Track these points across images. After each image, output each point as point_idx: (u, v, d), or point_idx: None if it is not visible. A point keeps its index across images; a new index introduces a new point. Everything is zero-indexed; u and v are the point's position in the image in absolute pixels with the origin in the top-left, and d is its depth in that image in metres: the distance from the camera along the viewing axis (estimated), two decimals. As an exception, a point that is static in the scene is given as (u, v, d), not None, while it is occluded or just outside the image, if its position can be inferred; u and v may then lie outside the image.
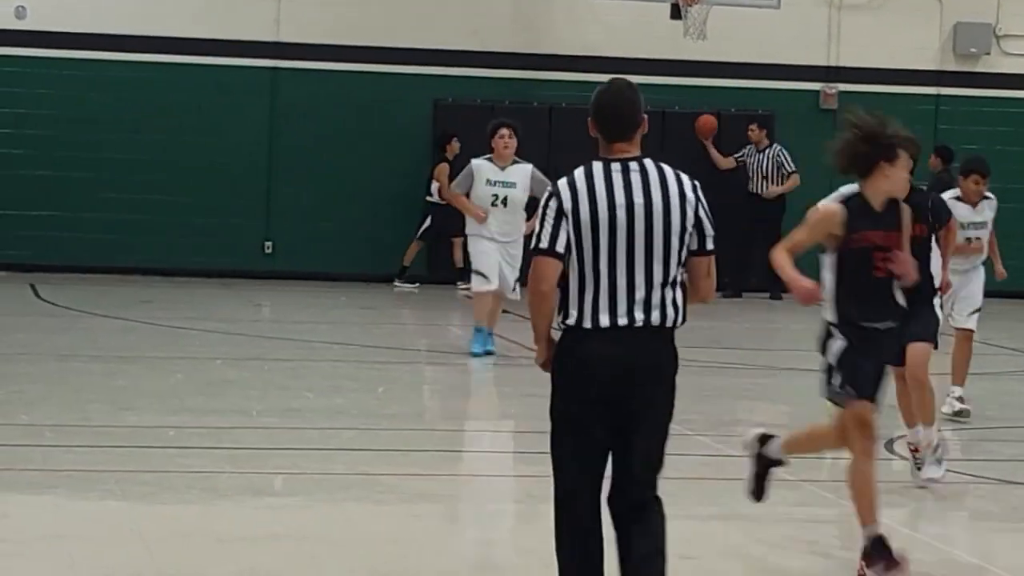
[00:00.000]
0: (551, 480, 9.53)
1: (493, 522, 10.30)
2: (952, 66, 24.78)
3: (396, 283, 23.73)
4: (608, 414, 6.18)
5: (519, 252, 14.94)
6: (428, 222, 23.67)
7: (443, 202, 21.58)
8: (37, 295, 21.19)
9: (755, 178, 24.36)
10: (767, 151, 23.91)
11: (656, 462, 6.24)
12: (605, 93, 6.39)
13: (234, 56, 23.79)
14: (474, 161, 15.05)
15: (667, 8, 22.27)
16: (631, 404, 6.19)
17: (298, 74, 23.94)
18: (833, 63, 24.63)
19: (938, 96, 24.80)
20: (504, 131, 14.96)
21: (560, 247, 6.21)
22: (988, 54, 24.62)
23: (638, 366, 6.16)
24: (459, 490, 11.28)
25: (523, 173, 14.77)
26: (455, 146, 23.15)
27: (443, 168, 23.16)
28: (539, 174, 14.94)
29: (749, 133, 23.67)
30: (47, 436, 12.29)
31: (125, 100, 23.73)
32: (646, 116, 6.38)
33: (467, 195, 15.36)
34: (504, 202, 14.56)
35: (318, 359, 17.09)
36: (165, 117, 23.70)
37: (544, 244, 6.16)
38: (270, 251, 23.98)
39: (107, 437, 12.31)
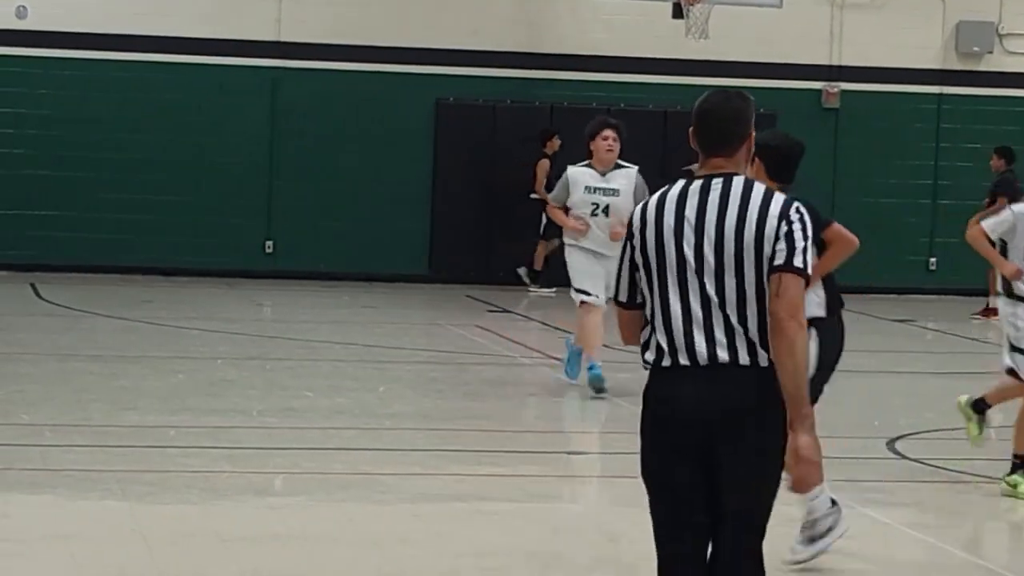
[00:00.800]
0: (551, 479, 10.23)
1: (494, 522, 10.12)
2: (955, 65, 24.61)
3: (531, 289, 23.25)
4: (694, 466, 5.46)
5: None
6: (545, 218, 22.53)
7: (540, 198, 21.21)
8: (38, 295, 21.08)
9: None
10: None
11: (750, 525, 5.34)
12: (708, 100, 5.63)
13: (235, 56, 23.57)
14: (570, 169, 13.30)
15: (669, 7, 22.10)
16: (714, 455, 5.44)
17: (299, 74, 23.70)
18: (835, 62, 24.48)
19: (940, 95, 24.64)
20: (608, 132, 13.14)
21: (633, 296, 5.56)
22: (991, 53, 24.42)
23: (720, 409, 5.37)
24: (460, 490, 11.00)
25: (627, 178, 13.02)
26: (555, 143, 22.75)
27: (543, 164, 23.02)
28: (643, 181, 13.13)
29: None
30: (48, 436, 12.15)
31: (126, 100, 23.51)
32: (753, 132, 5.62)
33: (566, 207, 13.45)
34: (606, 211, 12.80)
35: (319, 359, 16.98)
36: (166, 117, 23.45)
37: (621, 297, 5.53)
38: (271, 251, 23.75)
39: (108, 437, 12.19)
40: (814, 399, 6.27)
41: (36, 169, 23.27)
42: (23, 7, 23.29)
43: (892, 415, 14.29)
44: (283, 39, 23.49)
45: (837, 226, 7.95)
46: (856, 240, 7.79)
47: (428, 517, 9.94)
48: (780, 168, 7.82)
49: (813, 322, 7.76)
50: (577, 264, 12.92)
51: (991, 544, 10.56)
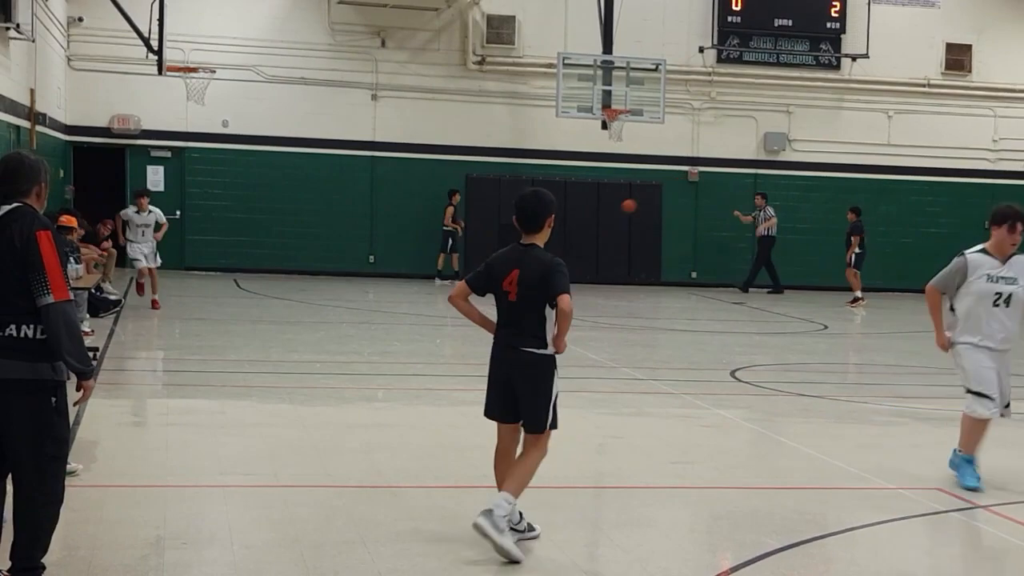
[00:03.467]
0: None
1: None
2: (764, 157, 28.48)
3: (438, 281, 24.98)
4: None
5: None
6: (445, 238, 25.15)
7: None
8: (238, 286, 23.74)
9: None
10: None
11: None
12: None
13: (350, 149, 27.19)
14: (968, 255, 9.00)
15: (599, 123, 25.44)
16: None
17: (386, 159, 27.23)
18: (695, 155, 28.32)
19: (756, 175, 28.42)
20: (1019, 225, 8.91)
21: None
22: (784, 150, 28.53)
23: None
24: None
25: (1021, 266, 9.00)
26: (456, 198, 24.86)
27: (449, 210, 25.34)
28: None
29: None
30: (246, 366, 13.69)
31: (286, 175, 26.94)
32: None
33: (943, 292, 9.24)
34: (1007, 301, 8.91)
35: (401, 323, 18.92)
36: (312, 184, 27.01)
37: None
38: (373, 261, 27.14)
39: (281, 367, 13.64)
40: None
41: (236, 214, 26.83)
42: (226, 120, 26.88)
43: (734, 356, 15.87)
44: (377, 139, 27.31)
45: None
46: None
47: (467, 414, 10.67)
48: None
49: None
50: (978, 361, 9.15)
51: (794, 431, 11.28)
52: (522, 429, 7.04)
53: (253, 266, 26.38)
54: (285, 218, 26.76)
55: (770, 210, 26.41)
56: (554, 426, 7.00)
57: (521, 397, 6.92)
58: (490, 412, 7.10)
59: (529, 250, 6.87)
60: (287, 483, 8.45)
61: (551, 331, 6.83)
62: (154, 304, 19.05)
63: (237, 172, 26.70)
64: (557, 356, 6.93)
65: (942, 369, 15.64)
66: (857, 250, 23.41)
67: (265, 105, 26.72)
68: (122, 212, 19.99)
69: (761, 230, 26.39)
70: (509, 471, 6.93)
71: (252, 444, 9.67)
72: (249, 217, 26.77)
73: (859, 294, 23.46)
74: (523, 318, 6.80)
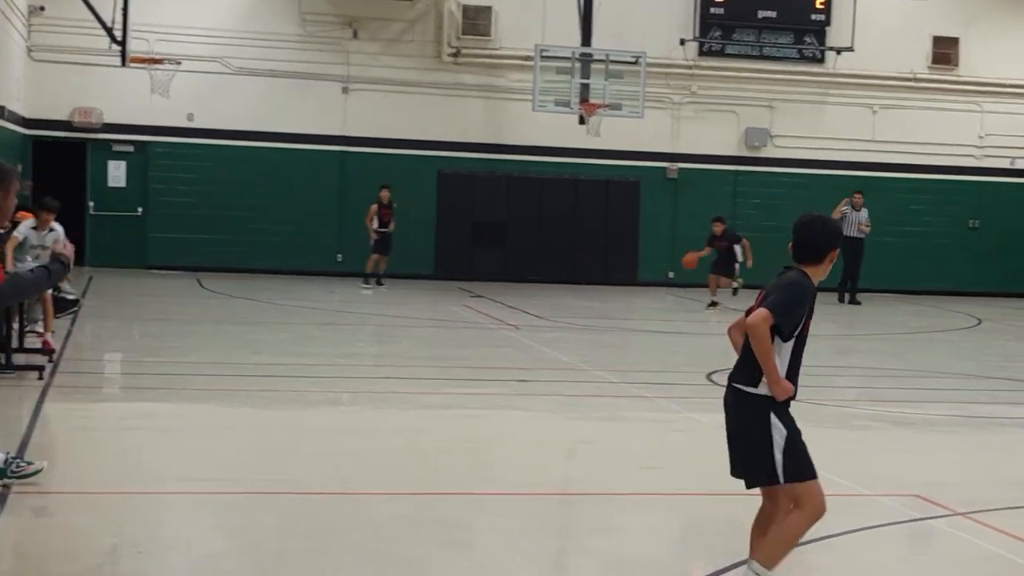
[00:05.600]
0: (508, 395, 11.34)
1: (472, 421, 11.45)
2: (745, 153, 28.76)
3: (363, 287, 24.15)
4: None
5: None
6: (372, 239, 24.42)
7: None
8: (201, 285, 23.85)
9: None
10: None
11: None
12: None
13: (320, 143, 27.43)
14: None
15: (576, 118, 25.52)
16: None
17: (357, 154, 27.49)
18: (675, 151, 28.58)
19: (736, 171, 28.79)
20: None
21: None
22: (766, 146, 28.75)
23: None
24: (452, 401, 12.22)
25: None
26: (386, 194, 24.11)
27: (372, 208, 24.45)
28: None
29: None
30: (207, 369, 13.72)
31: (252, 170, 27.06)
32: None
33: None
34: None
35: (368, 324, 19.17)
36: (279, 180, 27.19)
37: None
38: (341, 259, 27.35)
39: (243, 369, 13.66)
40: None
41: (200, 211, 26.95)
42: (192, 114, 27.04)
43: (710, 359, 15.61)
44: (348, 133, 27.54)
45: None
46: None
47: (432, 418, 11.34)
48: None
49: None
50: None
51: None
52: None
53: (217, 265, 26.56)
54: (251, 215, 26.99)
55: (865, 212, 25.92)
56: (801, 476, 5.94)
57: (736, 445, 6.08)
58: (732, 468, 6.17)
59: (791, 270, 6.07)
60: (248, 489, 8.44)
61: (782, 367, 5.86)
62: (45, 345, 14.17)
63: (202, 167, 26.90)
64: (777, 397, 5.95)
65: (921, 372, 15.78)
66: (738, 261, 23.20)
67: (232, 98, 26.86)
68: (16, 230, 14.92)
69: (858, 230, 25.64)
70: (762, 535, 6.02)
71: (212, 449, 9.75)
72: (214, 214, 27.00)
73: (716, 298, 23.18)
74: (745, 347, 5.95)
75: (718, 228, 23.13)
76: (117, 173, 26.68)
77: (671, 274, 28.24)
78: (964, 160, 29.75)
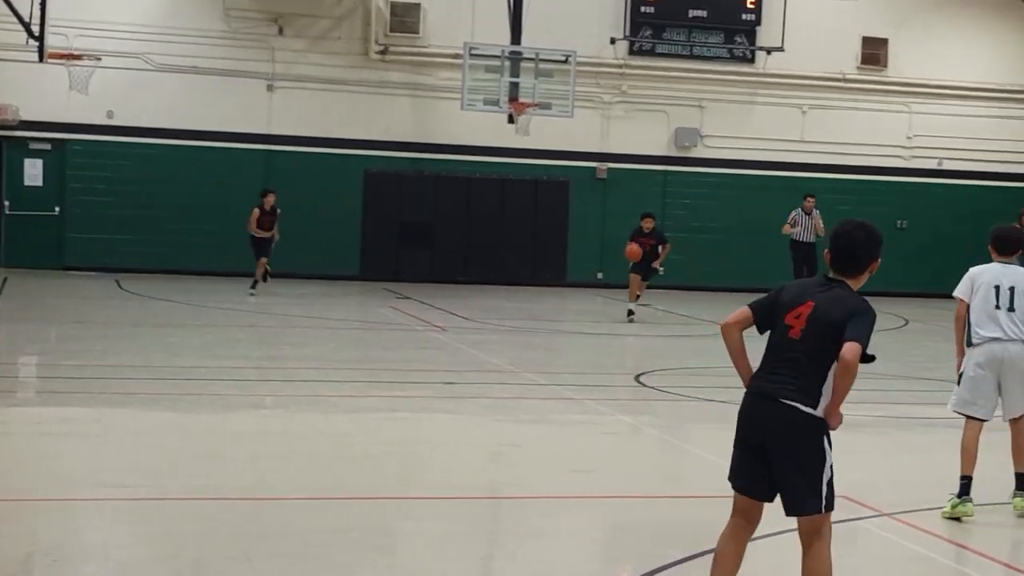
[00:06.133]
0: (433, 397, 11.37)
1: (399, 424, 11.57)
2: (675, 153, 28.90)
3: (251, 293, 22.75)
4: None
5: None
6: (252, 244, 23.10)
7: None
8: (120, 287, 23.66)
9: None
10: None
11: None
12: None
13: (240, 142, 27.09)
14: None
15: (505, 117, 25.55)
16: None
17: (282, 153, 27.20)
18: (604, 151, 28.60)
19: (666, 171, 28.87)
20: None
21: None
22: (696, 146, 28.89)
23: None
24: (379, 404, 12.46)
25: None
26: (271, 199, 22.70)
27: (255, 212, 23.02)
28: None
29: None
30: (126, 371, 13.60)
31: (174, 169, 26.77)
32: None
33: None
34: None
35: (293, 326, 18.95)
36: (200, 180, 26.74)
37: None
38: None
39: (163, 372, 13.56)
40: None
41: (120, 211, 26.57)
42: (111, 111, 26.68)
43: (639, 360, 16.57)
44: (272, 132, 27.31)
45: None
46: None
47: (359, 421, 11.44)
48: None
49: None
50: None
51: (699, 437, 11.53)
52: (784, 512, 5.85)
53: (137, 266, 26.38)
54: (172, 215, 26.81)
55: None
56: (830, 507, 5.79)
57: (778, 467, 5.72)
58: (735, 477, 5.90)
59: (836, 285, 5.82)
60: (168, 495, 8.37)
61: (828, 393, 5.68)
62: None
63: (122, 166, 26.72)
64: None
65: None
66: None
67: (153, 95, 26.62)
68: None
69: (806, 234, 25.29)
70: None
71: (132, 454, 9.67)
72: (134, 214, 26.81)
73: (632, 306, 21.93)
74: (799, 363, 5.67)
75: (647, 224, 22.12)
76: (34, 172, 26.41)
77: (600, 275, 28.35)
78: (892, 161, 30.07)
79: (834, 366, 5.64)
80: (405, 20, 27.78)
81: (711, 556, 7.03)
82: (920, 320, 23.61)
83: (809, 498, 5.69)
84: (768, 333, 5.88)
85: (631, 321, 21.17)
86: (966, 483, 8.61)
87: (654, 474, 10.04)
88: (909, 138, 30.40)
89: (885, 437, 12.38)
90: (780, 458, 5.68)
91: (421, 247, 27.74)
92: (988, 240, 9.08)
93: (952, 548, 8.01)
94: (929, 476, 10.45)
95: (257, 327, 18.90)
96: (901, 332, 22.27)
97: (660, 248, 21.88)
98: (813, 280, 5.90)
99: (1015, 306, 8.71)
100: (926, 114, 30.34)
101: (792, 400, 5.61)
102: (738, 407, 5.91)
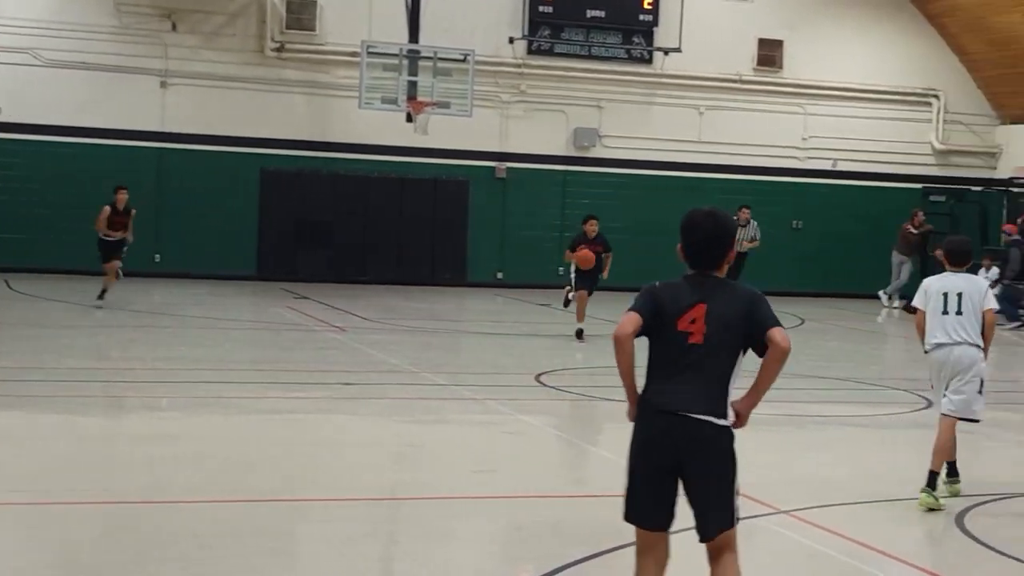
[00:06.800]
0: (332, 399, 11.29)
1: (297, 425, 11.73)
2: (574, 153, 29.09)
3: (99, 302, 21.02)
4: None
5: None
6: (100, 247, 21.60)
7: None
8: (9, 287, 23.33)
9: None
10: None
11: None
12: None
13: (133, 139, 26.82)
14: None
15: (404, 116, 25.34)
16: None
17: (176, 151, 26.94)
18: (503, 150, 28.68)
19: (566, 171, 29.08)
20: None
21: None
22: (594, 146, 29.12)
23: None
24: (277, 406, 12.47)
25: None
26: (123, 196, 21.30)
27: (105, 210, 21.53)
28: None
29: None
30: (15, 374, 13.46)
31: (66, 167, 26.44)
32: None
33: None
34: None
35: (189, 327, 19.01)
36: (90, 175, 25.99)
37: None
38: (159, 260, 26.80)
39: (54, 374, 13.45)
40: None
41: (8, 209, 26.23)
42: (0, 108, 26.27)
43: (539, 360, 16.32)
44: (166, 129, 27.13)
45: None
46: None
47: (256, 423, 11.44)
48: None
49: None
50: None
51: (600, 437, 11.86)
52: (698, 534, 5.50)
53: (27, 265, 25.90)
54: (63, 213, 26.31)
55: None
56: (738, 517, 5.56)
57: (697, 489, 5.40)
58: (639, 512, 5.48)
59: (710, 280, 5.51)
60: (61, 500, 8.26)
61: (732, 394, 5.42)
62: None
63: (11, 163, 26.40)
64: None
65: (747, 372, 16.24)
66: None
67: (43, 92, 26.28)
68: None
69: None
70: None
71: (23, 458, 9.56)
72: (23, 212, 26.45)
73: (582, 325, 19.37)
74: (702, 370, 5.37)
75: (592, 228, 19.27)
76: (-84, 169, 25.55)
77: (500, 275, 28.49)
78: (787, 161, 30.37)
79: (736, 368, 5.43)
80: (301, 17, 27.67)
81: (610, 555, 7.21)
82: (815, 319, 23.94)
83: (729, 513, 5.47)
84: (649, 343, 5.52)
85: (582, 341, 18.74)
86: (932, 477, 9.12)
87: (555, 474, 10.12)
88: (804, 139, 30.80)
89: (782, 435, 12.53)
90: (699, 479, 5.40)
91: (319, 247, 27.61)
92: (942, 252, 9.56)
93: (850, 544, 8.09)
94: (826, 473, 10.65)
95: (152, 328, 18.78)
96: (796, 331, 22.47)
97: (604, 256, 19.24)
98: (683, 281, 5.52)
99: (962, 310, 9.08)
100: (820, 115, 30.78)
101: (705, 415, 5.32)
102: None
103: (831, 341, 21.93)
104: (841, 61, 30.72)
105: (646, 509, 5.40)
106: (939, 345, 9.16)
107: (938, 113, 31.57)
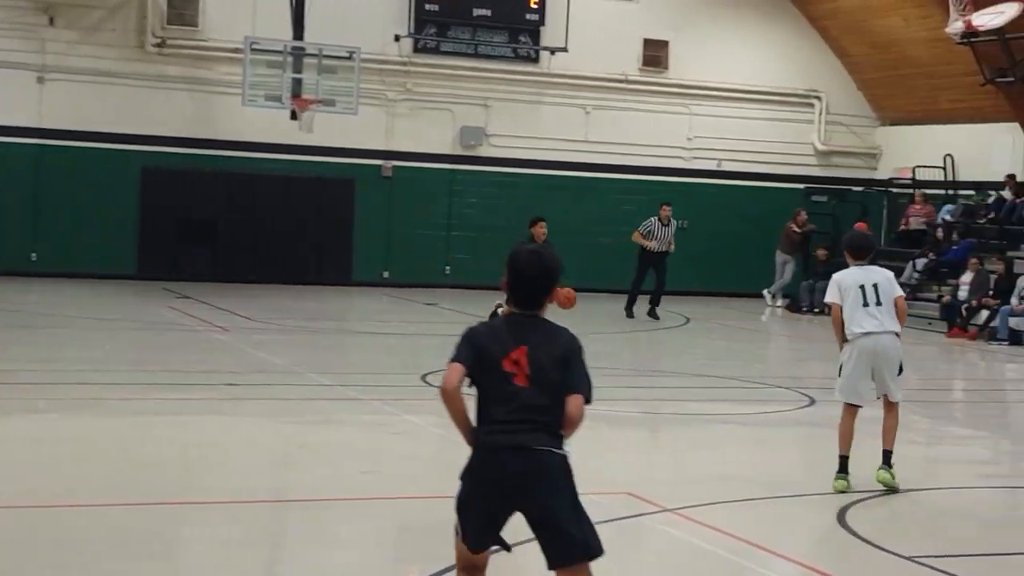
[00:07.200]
0: (216, 400, 11.29)
1: (181, 426, 11.57)
2: (460, 152, 29.11)
3: None
4: None
5: None
6: None
7: None
8: None
9: None
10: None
11: None
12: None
13: (8, 136, 26.39)
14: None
15: (288, 113, 25.31)
16: None
17: (54, 148, 26.60)
18: (389, 148, 28.62)
19: (453, 170, 29.09)
20: None
21: None
22: (481, 145, 29.19)
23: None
24: (160, 407, 12.34)
25: None
26: None
27: None
28: None
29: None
30: None
31: None
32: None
33: None
34: None
35: (71, 327, 18.86)
36: None
37: None
38: (35, 259, 26.44)
39: None
40: None
41: None
42: None
43: (425, 360, 15.88)
44: (43, 126, 26.65)
45: None
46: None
47: (138, 425, 11.34)
48: None
49: None
50: None
51: None
52: (553, 561, 5.51)
53: None
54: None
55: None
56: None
57: (546, 516, 5.41)
58: (477, 540, 5.56)
59: (530, 320, 5.55)
60: (-68, 506, 8.09)
61: None
62: None
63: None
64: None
65: (632, 371, 16.41)
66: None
67: (-91, 87, 25.62)
68: None
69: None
70: None
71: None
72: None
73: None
74: (534, 408, 5.42)
75: (542, 231, 18.13)
76: None
77: (386, 274, 28.40)
78: (673, 161, 30.54)
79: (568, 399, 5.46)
80: (183, 12, 27.37)
81: (498, 555, 7.22)
82: (701, 318, 24.27)
83: (591, 538, 5.49)
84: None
85: None
86: (844, 461, 9.65)
87: (441, 474, 9.98)
88: (689, 139, 31.04)
89: (666, 433, 12.76)
90: (547, 505, 5.41)
91: (202, 246, 27.33)
92: (844, 247, 10.05)
93: (735, 542, 8.17)
94: (711, 470, 10.80)
95: (31, 328, 18.55)
96: (682, 330, 22.78)
97: None
98: (503, 322, 5.57)
99: (881, 300, 9.59)
100: (705, 116, 31.05)
101: (545, 446, 5.38)
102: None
103: (716, 340, 22.32)
104: (725, 62, 31.06)
105: (478, 536, 5.51)
106: (867, 333, 9.61)
107: (820, 114, 32.04)
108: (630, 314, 23.89)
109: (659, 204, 24.45)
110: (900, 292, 9.79)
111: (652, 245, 23.75)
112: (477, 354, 5.47)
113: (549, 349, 5.44)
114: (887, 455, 9.77)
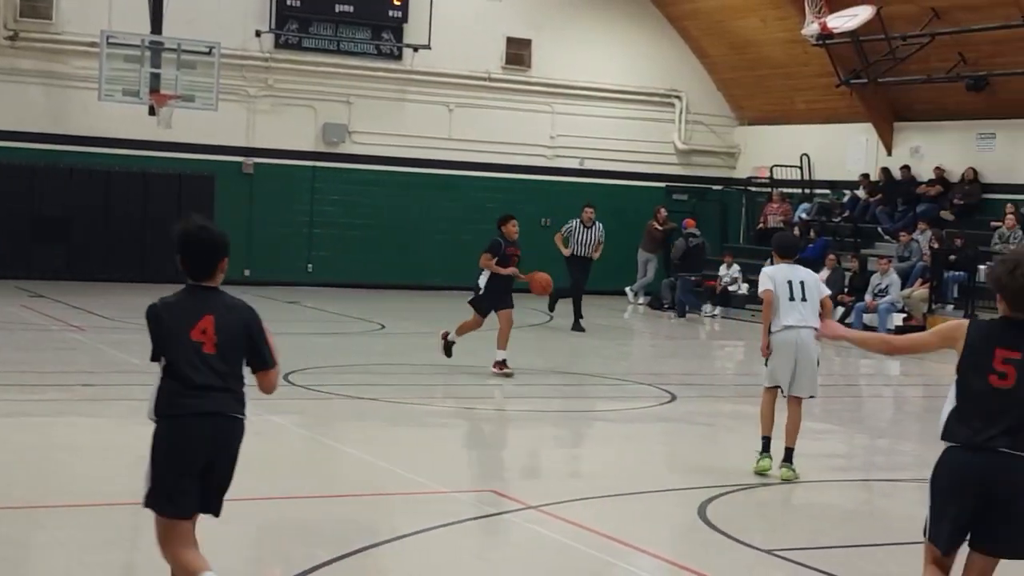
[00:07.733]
0: (72, 400, 11.21)
1: (35, 427, 11.62)
2: (323, 149, 29.16)
3: None
4: None
5: None
6: None
7: None
8: None
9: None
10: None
11: None
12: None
13: None
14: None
15: (146, 109, 24.99)
16: None
17: None
18: (250, 145, 28.60)
19: (315, 167, 29.17)
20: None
21: None
22: (344, 142, 29.30)
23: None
24: (11, 409, 12.24)
25: None
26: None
27: None
28: None
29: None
30: None
31: None
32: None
33: None
34: None
35: None
36: None
37: None
38: None
39: None
40: None
41: None
42: None
43: (286, 358, 17.66)
44: None
45: None
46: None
47: (17, 426, 11.30)
48: None
49: None
50: None
51: (347, 436, 11.79)
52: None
53: None
54: None
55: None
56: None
57: (222, 479, 5.93)
58: (176, 503, 5.90)
59: (214, 292, 5.88)
60: None
61: None
62: None
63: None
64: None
65: (493, 369, 16.35)
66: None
67: None
68: None
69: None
70: None
71: None
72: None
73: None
74: (224, 374, 5.75)
75: (513, 229, 16.28)
76: None
77: (247, 272, 27.89)
78: (537, 160, 30.85)
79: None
80: (36, 5, 26.82)
81: (359, 555, 7.23)
82: (565, 316, 24.27)
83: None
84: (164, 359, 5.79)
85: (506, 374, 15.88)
86: (766, 441, 10.38)
87: (302, 474, 10.13)
88: (552, 138, 31.29)
89: (530, 430, 12.77)
90: (223, 469, 5.87)
91: (56, 243, 26.85)
92: (773, 246, 10.78)
93: (598, 538, 8.24)
94: (573, 467, 10.95)
95: None
96: (545, 328, 22.90)
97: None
98: (185, 294, 5.90)
99: (807, 297, 10.25)
100: (568, 115, 31.31)
101: (238, 413, 5.79)
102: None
103: (579, 337, 22.38)
104: (588, 61, 31.34)
105: (178, 498, 5.80)
106: (789, 327, 10.24)
107: (680, 114, 32.51)
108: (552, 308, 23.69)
109: (582, 206, 23.54)
110: (827, 292, 10.46)
111: (567, 252, 22.63)
112: (162, 331, 5.76)
113: (233, 319, 5.76)
114: (789, 452, 10.31)
